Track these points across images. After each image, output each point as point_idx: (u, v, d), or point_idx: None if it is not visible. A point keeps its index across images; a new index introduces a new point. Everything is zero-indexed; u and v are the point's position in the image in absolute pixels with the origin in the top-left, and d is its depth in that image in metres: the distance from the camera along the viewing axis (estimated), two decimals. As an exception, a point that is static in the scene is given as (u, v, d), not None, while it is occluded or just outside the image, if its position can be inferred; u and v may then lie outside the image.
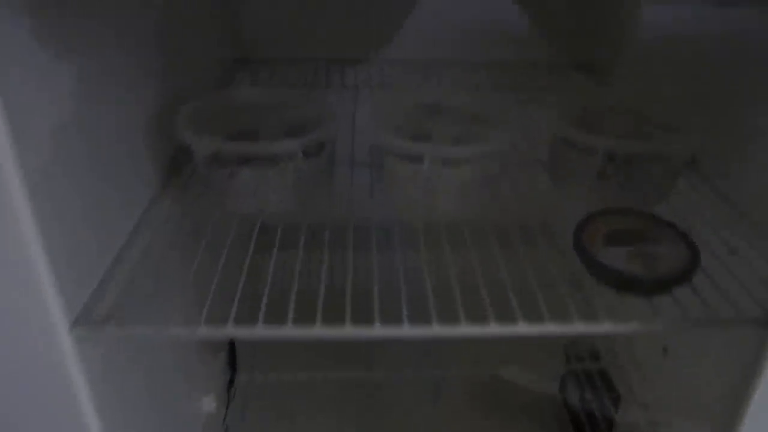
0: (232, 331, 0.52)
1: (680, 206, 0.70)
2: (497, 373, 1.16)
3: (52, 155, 0.47)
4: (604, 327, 0.54)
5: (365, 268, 0.59)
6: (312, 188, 0.66)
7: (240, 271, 0.58)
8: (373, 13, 1.04)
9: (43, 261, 0.45)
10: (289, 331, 0.52)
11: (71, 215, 0.50)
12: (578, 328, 0.54)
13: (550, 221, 0.70)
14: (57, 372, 0.49)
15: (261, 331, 0.52)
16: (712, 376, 0.68)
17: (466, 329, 0.53)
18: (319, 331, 0.53)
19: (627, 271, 0.56)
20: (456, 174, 0.64)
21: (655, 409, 0.89)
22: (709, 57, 0.76)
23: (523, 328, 0.53)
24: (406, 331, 0.53)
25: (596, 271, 0.57)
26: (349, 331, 0.53)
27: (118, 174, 0.60)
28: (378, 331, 0.53)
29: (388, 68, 1.07)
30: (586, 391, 1.08)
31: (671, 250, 0.59)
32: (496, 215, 0.68)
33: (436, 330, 0.53)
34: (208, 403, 0.95)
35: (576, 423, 1.08)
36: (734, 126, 0.70)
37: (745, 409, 0.56)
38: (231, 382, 1.06)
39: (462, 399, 1.14)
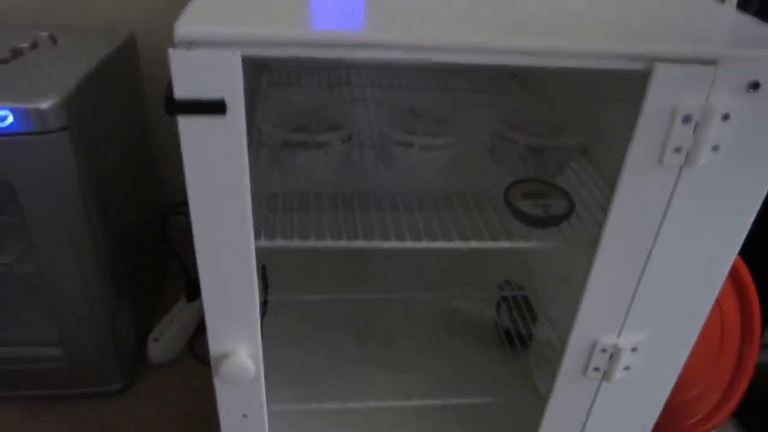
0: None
1: (571, 177, 1.11)
2: (451, 303, 1.59)
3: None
4: (518, 244, 0.94)
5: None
6: (342, 165, 1.04)
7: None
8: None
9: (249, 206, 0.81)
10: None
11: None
12: (504, 244, 0.94)
13: (491, 187, 1.10)
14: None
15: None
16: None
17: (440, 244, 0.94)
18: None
19: (533, 214, 0.96)
20: (433, 156, 1.03)
21: (558, 323, 1.26)
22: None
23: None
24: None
25: (516, 214, 0.97)
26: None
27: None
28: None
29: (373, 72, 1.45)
30: (513, 313, 1.40)
31: (559, 203, 1.00)
32: (459, 185, 1.08)
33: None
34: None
35: (507, 337, 1.43)
36: (602, 124, 1.12)
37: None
38: (265, 302, 1.43)
39: (425, 320, 1.55)
